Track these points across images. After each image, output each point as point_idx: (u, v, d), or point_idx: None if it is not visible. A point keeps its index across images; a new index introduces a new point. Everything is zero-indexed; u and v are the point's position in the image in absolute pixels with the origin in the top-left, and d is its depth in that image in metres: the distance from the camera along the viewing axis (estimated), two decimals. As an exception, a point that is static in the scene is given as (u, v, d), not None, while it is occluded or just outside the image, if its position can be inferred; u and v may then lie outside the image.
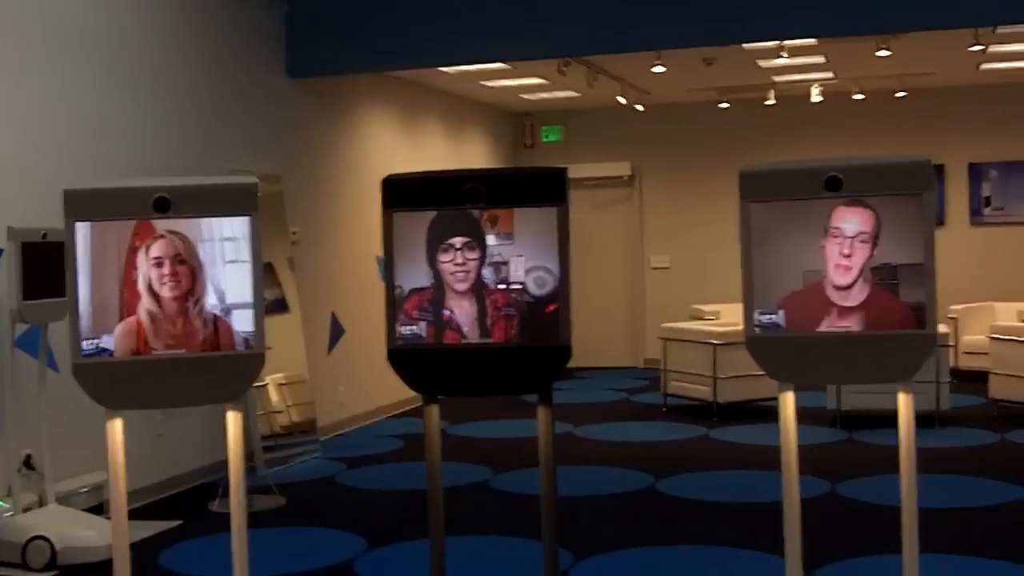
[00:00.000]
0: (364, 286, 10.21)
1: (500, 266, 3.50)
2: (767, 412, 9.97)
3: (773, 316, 3.42)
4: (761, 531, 6.14)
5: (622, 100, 12.03)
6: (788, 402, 3.46)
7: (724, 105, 13.07)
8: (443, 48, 8.68)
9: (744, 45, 9.26)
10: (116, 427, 3.47)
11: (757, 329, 3.44)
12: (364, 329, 10.06)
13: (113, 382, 3.44)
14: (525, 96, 12.78)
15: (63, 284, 5.91)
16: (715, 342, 9.78)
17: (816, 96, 11.95)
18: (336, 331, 9.79)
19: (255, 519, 6.59)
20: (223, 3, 8.20)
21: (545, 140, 14.26)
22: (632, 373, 13.51)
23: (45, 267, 5.89)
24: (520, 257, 3.48)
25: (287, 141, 9.08)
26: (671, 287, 13.74)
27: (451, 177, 3.52)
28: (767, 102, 12.37)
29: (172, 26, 7.65)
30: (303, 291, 8.91)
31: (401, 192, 3.54)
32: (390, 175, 3.61)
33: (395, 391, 10.46)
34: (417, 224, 3.52)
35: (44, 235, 5.90)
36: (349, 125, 10.17)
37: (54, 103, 6.58)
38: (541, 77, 11.26)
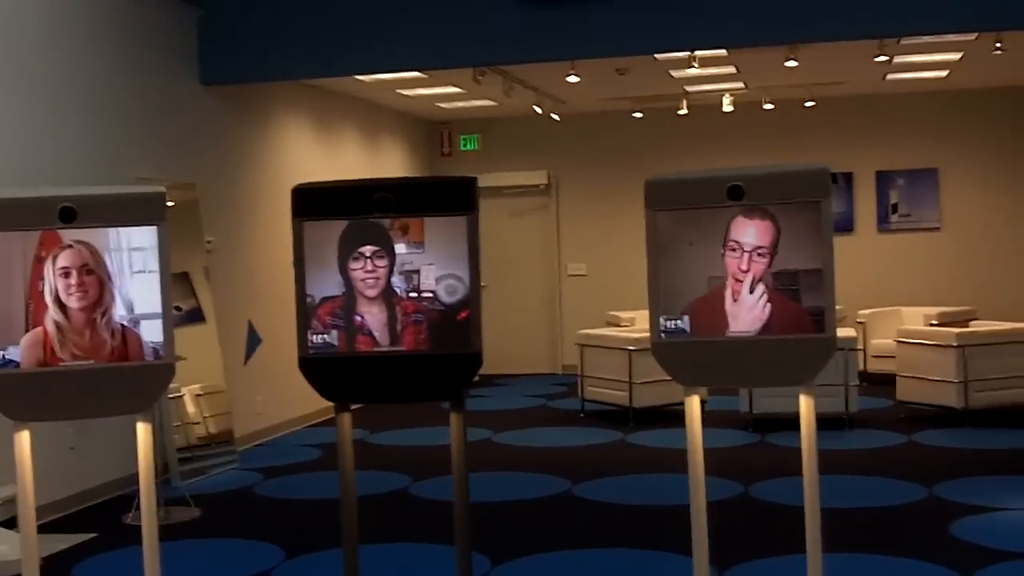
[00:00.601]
0: (281, 295, 10.15)
1: (411, 274, 3.54)
2: (682, 416, 10.11)
3: (678, 322, 3.50)
4: (675, 533, 6.23)
5: (538, 110, 12.14)
6: (694, 405, 3.54)
7: (638, 114, 13.25)
8: (358, 56, 8.69)
9: (656, 55, 9.40)
10: (23, 439, 3.44)
11: (663, 335, 3.52)
12: (281, 338, 10.00)
13: (20, 393, 3.40)
14: (442, 105, 12.82)
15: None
16: (630, 348, 9.89)
17: (727, 106, 12.16)
18: (253, 340, 9.74)
19: (170, 531, 6.54)
20: (133, 6, 8.11)
21: (463, 148, 14.31)
22: (550, 379, 13.60)
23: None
24: (431, 265, 3.52)
25: (201, 149, 9.01)
26: (588, 294, 13.88)
27: (361, 186, 3.54)
28: (680, 111, 12.56)
29: (79, 28, 7.53)
30: (219, 300, 8.86)
31: (311, 201, 3.56)
32: (300, 184, 3.63)
33: (313, 400, 10.35)
34: (328, 233, 3.54)
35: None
36: (265, 133, 10.13)
37: (-40, 112, 6.47)
38: (457, 86, 11.31)
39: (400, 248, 3.55)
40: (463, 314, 3.53)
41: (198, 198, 8.68)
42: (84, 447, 7.33)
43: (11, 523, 6.40)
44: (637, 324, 11.32)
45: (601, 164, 13.94)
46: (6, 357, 3.38)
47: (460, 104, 12.77)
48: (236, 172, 9.59)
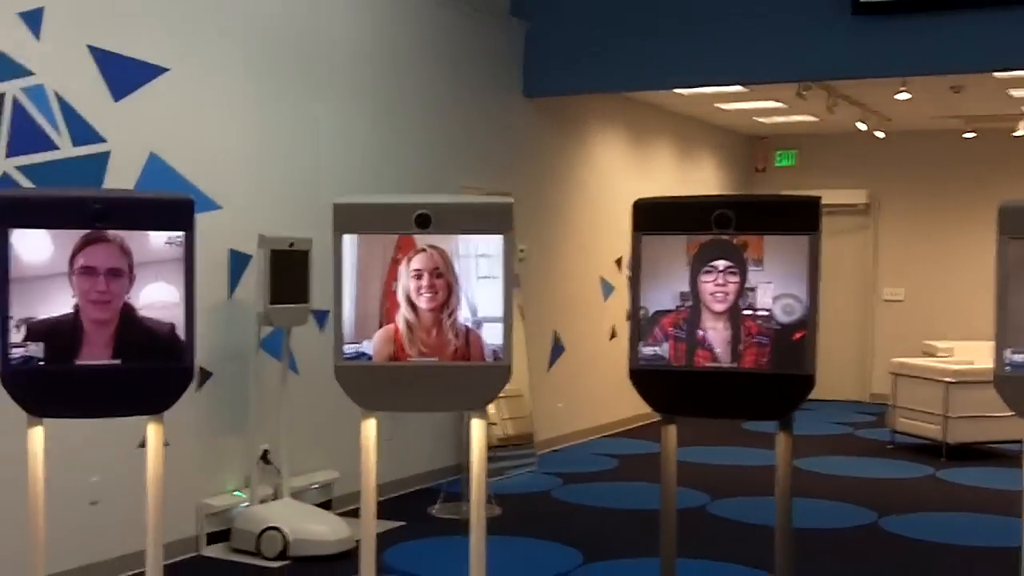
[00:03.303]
0: (587, 306, 10.30)
1: (747, 292, 3.52)
2: (1001, 455, 9.54)
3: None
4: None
5: (862, 126, 11.72)
6: None
7: (969, 135, 12.55)
8: (680, 70, 8.69)
9: (995, 73, 8.88)
10: (370, 427, 3.66)
11: (1008, 368, 3.32)
12: (584, 348, 10.14)
13: (371, 385, 3.62)
14: (760, 119, 12.61)
15: (306, 291, 6.31)
16: (948, 380, 9.43)
17: (1071, 128, 11.34)
18: (557, 349, 9.90)
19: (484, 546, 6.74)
20: (468, 24, 8.44)
21: (778, 164, 14.02)
22: (857, 407, 13.12)
23: (290, 274, 6.21)
24: (769, 284, 3.49)
25: (518, 159, 9.26)
26: (903, 321, 13.28)
27: (702, 203, 3.55)
28: (1015, 133, 11.80)
29: (418, 48, 7.93)
30: (527, 307, 9.06)
31: (651, 216, 3.59)
32: (641, 199, 3.65)
33: (611, 411, 10.51)
34: (666, 247, 3.56)
35: (291, 244, 6.22)
36: (579, 145, 10.28)
37: (302, 119, 6.93)
38: (778, 100, 11.10)
39: (739, 266, 3.55)
40: (799, 334, 3.49)
41: (513, 207, 8.89)
42: (398, 440, 7.67)
43: (326, 505, 6.80)
44: (955, 355, 10.73)
45: (926, 185, 13.30)
46: (360, 351, 3.60)
47: (779, 119, 12.52)
48: (549, 182, 9.78)
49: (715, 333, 3.53)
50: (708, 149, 13.07)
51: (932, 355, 11.14)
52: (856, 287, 13.73)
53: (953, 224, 12.89)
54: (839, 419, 12.09)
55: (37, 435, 3.62)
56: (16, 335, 3.53)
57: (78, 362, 3.59)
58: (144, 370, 3.64)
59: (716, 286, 3.52)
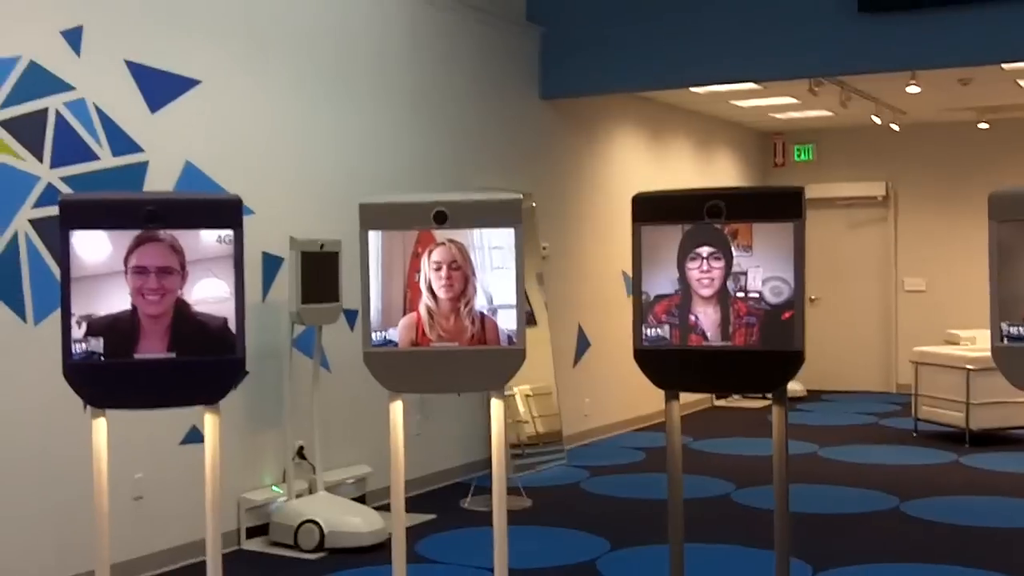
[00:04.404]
0: (609, 300, 10.48)
1: (739, 276, 3.77)
2: (1023, 440, 9.68)
3: (1021, 328, 3.52)
4: (1008, 556, 6.05)
5: (876, 120, 11.87)
6: None
7: (983, 125, 12.67)
8: (695, 68, 8.88)
9: (1004, 65, 9.02)
10: (397, 408, 3.95)
11: (1005, 340, 3.54)
12: (609, 343, 10.33)
13: (396, 369, 3.92)
14: (775, 115, 12.77)
15: (337, 290, 6.54)
16: (969, 367, 9.54)
17: (1083, 115, 11.44)
18: (582, 344, 10.10)
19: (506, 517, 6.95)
20: (486, 31, 8.68)
21: (797, 159, 14.18)
22: (883, 397, 13.23)
23: (321, 275, 6.44)
24: (758, 268, 3.75)
25: (538, 159, 9.47)
26: (925, 310, 13.39)
27: (695, 194, 3.83)
28: (1029, 122, 11.94)
29: (439, 55, 8.17)
30: (551, 304, 9.27)
31: (649, 208, 3.88)
32: (639, 193, 3.93)
33: (638, 405, 10.70)
34: (664, 236, 3.83)
35: (321, 246, 6.45)
36: (597, 144, 10.48)
37: (329, 125, 7.18)
38: (792, 96, 11.26)
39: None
40: (787, 314, 3.73)
41: (535, 207, 9.13)
42: (427, 435, 7.90)
43: (360, 499, 7.02)
44: (977, 343, 10.85)
45: (943, 175, 13.42)
46: (387, 337, 3.91)
47: (794, 115, 12.67)
48: (570, 182, 9.99)
49: (705, 317, 3.80)
50: (725, 146, 13.24)
51: (955, 343, 11.24)
52: (878, 278, 13.86)
53: (971, 213, 12.96)
54: (865, 409, 12.20)
55: (100, 426, 3.80)
56: (78, 331, 3.74)
57: (136, 355, 3.79)
58: (198, 362, 3.82)
59: (701, 272, 3.79)
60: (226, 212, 3.86)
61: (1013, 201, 3.59)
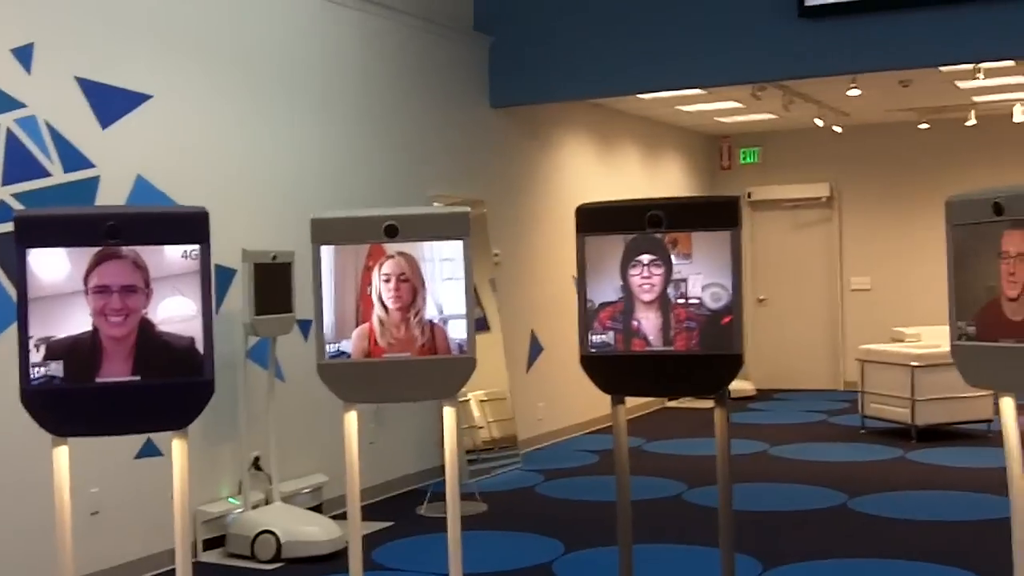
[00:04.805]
0: (562, 306, 10.56)
1: (680, 283, 3.90)
2: (967, 435, 9.87)
3: (975, 328, 3.61)
4: (955, 548, 6.21)
5: (819, 123, 12.07)
6: (1007, 408, 3.57)
7: (924, 126, 12.92)
8: (641, 75, 9.00)
9: (941, 68, 9.23)
10: (351, 419, 4.00)
11: (963, 339, 3.66)
12: (561, 347, 10.41)
13: (350, 380, 3.98)
14: (721, 119, 12.95)
15: (290, 301, 6.58)
16: (914, 364, 9.72)
17: (1019, 116, 11.68)
18: (535, 349, 10.19)
19: (460, 523, 7.02)
20: (435, 40, 8.75)
21: (743, 162, 14.37)
22: (832, 395, 13.43)
23: (274, 286, 6.48)
24: (698, 275, 3.88)
25: (490, 167, 9.56)
26: (871, 309, 13.62)
27: (636, 205, 3.95)
28: (968, 123, 12.17)
29: (388, 65, 8.23)
30: (504, 311, 9.35)
31: (592, 219, 4.00)
32: (582, 204, 4.05)
33: (590, 408, 10.81)
34: (607, 246, 3.95)
35: (274, 257, 6.49)
36: (548, 150, 10.58)
37: (279, 137, 7.22)
38: (737, 101, 11.43)
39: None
40: (727, 319, 3.86)
41: (486, 214, 9.21)
42: (382, 444, 7.95)
43: (316, 509, 7.06)
44: (923, 340, 11.06)
45: (886, 176, 13.67)
46: (340, 349, 3.96)
47: (739, 118, 12.86)
48: (521, 189, 10.08)
49: (647, 322, 3.92)
50: (673, 150, 13.39)
51: (901, 341, 11.46)
52: (824, 278, 14.08)
53: (914, 212, 13.25)
54: (813, 407, 12.39)
55: (62, 455, 3.61)
56: (36, 355, 3.54)
57: (98, 379, 3.59)
58: (164, 385, 3.63)
59: (643, 279, 3.91)
60: (192, 226, 3.68)
61: (967, 206, 3.67)
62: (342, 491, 7.37)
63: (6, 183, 5.45)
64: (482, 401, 8.89)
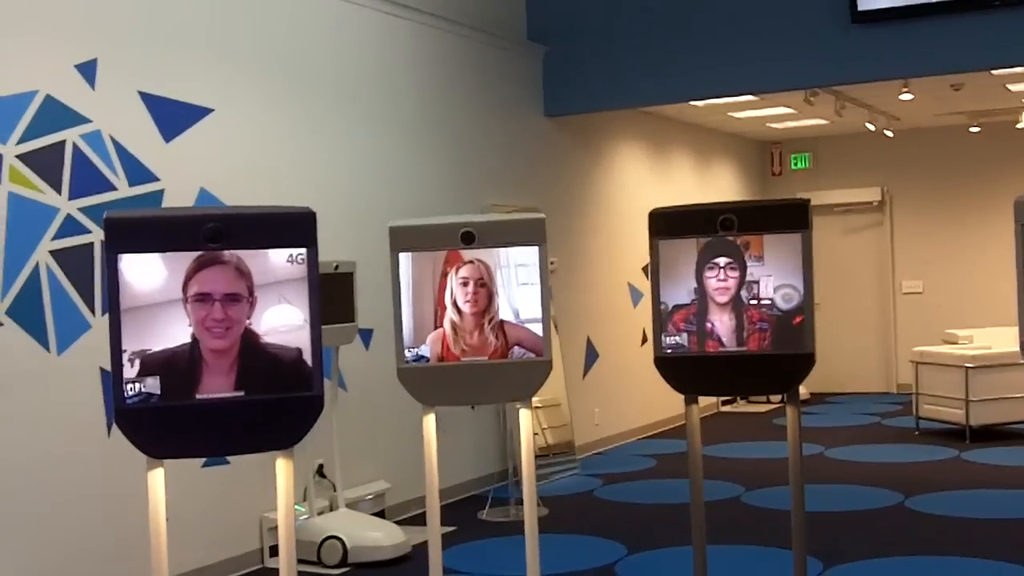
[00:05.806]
0: (617, 313, 10.66)
1: (752, 284, 4.01)
2: (1021, 435, 9.86)
3: None
4: (1016, 544, 6.24)
5: (871, 127, 12.07)
6: None
7: (975, 129, 12.88)
8: (695, 83, 9.07)
9: (992, 71, 9.22)
10: (430, 421, 4.14)
11: None
12: (616, 354, 10.50)
13: (428, 383, 4.10)
14: (772, 125, 12.96)
15: (352, 310, 6.69)
16: (968, 365, 9.73)
17: (1070, 118, 11.64)
18: (591, 356, 10.27)
19: (520, 527, 7.11)
20: (489, 50, 8.88)
21: (794, 168, 14.36)
22: (885, 398, 13.41)
23: (336, 296, 6.57)
24: (769, 276, 3.99)
25: (544, 176, 9.66)
26: (923, 312, 13.58)
27: (709, 209, 4.06)
28: (1018, 125, 12.12)
29: (445, 77, 8.37)
30: (560, 318, 9.44)
31: (666, 223, 4.11)
32: (656, 208, 4.16)
33: (646, 413, 10.88)
34: (680, 249, 4.06)
35: (336, 267, 6.60)
36: (601, 159, 10.67)
37: (338, 148, 7.34)
38: (788, 106, 11.46)
39: (744, 262, 4.05)
40: (798, 319, 3.97)
41: (545, 221, 9.28)
42: (445, 450, 8.02)
43: (379, 514, 7.16)
44: (976, 342, 11.04)
45: (937, 179, 13.63)
46: (419, 353, 4.07)
47: (791, 124, 12.87)
48: (575, 197, 10.17)
49: (721, 324, 4.02)
50: (725, 156, 13.42)
51: (953, 343, 11.43)
52: (876, 282, 14.04)
53: (965, 214, 13.21)
54: (867, 410, 12.37)
55: (158, 478, 3.29)
56: (130, 370, 3.22)
57: (198, 396, 3.27)
58: (270, 401, 3.32)
59: (719, 281, 4.02)
60: (299, 228, 3.34)
61: None
62: (403, 497, 7.54)
63: (72, 198, 5.57)
64: (536, 408, 8.97)
